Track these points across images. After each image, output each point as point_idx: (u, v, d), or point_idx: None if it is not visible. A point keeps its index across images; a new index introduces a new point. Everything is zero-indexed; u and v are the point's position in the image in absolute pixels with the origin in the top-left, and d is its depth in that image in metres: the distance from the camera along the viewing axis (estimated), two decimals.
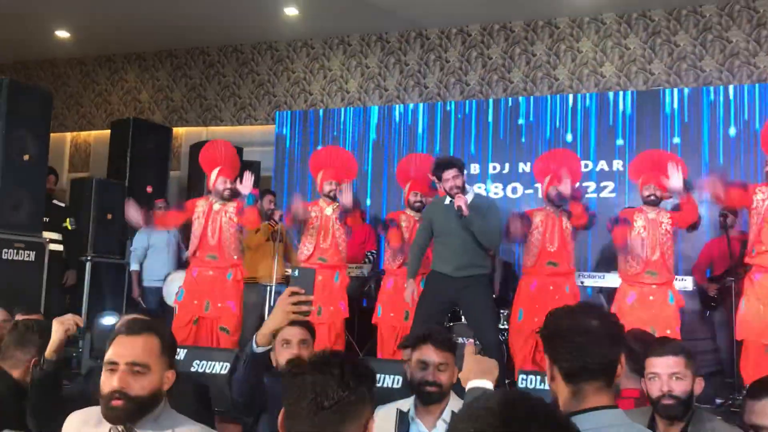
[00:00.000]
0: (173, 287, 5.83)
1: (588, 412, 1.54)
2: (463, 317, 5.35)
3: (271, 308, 5.70)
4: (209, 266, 5.21)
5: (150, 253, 6.66)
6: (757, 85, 6.85)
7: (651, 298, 4.61)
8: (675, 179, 4.47)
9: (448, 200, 4.62)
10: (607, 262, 5.77)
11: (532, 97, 7.69)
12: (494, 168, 7.46)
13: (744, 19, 7.12)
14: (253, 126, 9.06)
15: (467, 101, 7.94)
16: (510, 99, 7.74)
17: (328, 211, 5.31)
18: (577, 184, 5.09)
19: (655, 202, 4.73)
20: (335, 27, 8.52)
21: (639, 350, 2.57)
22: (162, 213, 5.55)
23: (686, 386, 2.38)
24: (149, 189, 6.62)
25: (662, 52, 7.38)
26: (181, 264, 6.73)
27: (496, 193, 7.34)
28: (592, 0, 7.33)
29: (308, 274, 2.14)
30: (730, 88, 6.91)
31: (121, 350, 1.88)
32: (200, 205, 5.31)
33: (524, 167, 7.28)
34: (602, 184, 6.97)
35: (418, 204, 5.44)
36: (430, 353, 2.62)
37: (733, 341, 5.23)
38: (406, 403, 2.68)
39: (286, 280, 6.01)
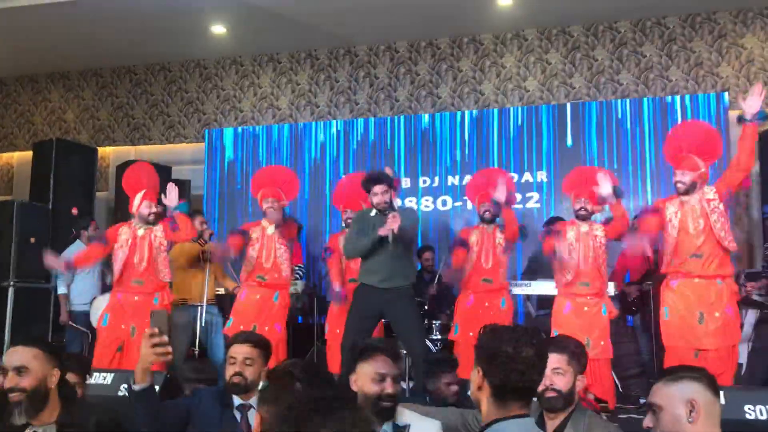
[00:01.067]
0: (96, 311, 5.69)
1: (506, 420, 1.79)
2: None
3: (202, 329, 5.64)
4: (135, 291, 5.09)
5: (77, 276, 6.47)
6: (669, 97, 7.17)
7: (585, 309, 4.76)
8: (604, 186, 4.64)
9: (374, 212, 4.68)
10: (535, 270, 5.92)
11: (460, 112, 7.85)
12: (424, 182, 7.57)
13: (656, 35, 7.47)
14: (183, 144, 8.97)
15: (397, 117, 8.06)
16: (438, 114, 7.89)
17: (270, 230, 5.30)
18: (509, 193, 5.22)
19: (585, 216, 4.90)
20: (264, 44, 8.53)
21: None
22: (83, 254, 5.30)
23: (567, 381, 2.57)
24: (74, 211, 6.46)
25: (582, 66, 7.67)
26: (106, 288, 6.59)
27: (426, 206, 7.45)
28: (515, 16, 7.55)
29: (161, 316, 2.38)
30: (645, 100, 7.21)
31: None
32: (123, 232, 5.12)
33: (453, 180, 7.42)
34: (527, 195, 7.17)
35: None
36: (385, 365, 2.54)
37: (653, 343, 5.47)
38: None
39: (216, 301, 5.96)
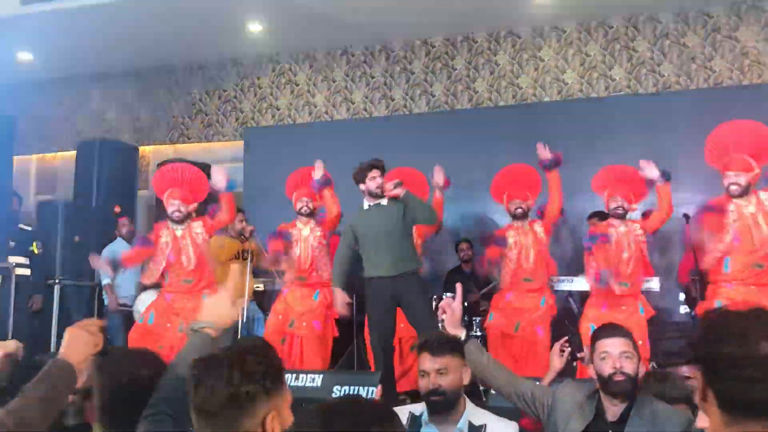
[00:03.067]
0: (143, 305, 5.79)
1: None
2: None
3: (243, 325, 5.69)
4: (185, 291, 5.14)
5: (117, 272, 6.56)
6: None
7: (623, 307, 4.67)
8: (651, 170, 4.53)
9: (366, 205, 4.68)
10: (575, 265, 5.84)
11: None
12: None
13: (699, 25, 7.30)
14: (221, 143, 9.05)
15: (434, 111, 8.02)
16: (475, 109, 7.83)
17: (305, 231, 5.35)
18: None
19: (622, 215, 4.80)
20: (300, 42, 8.55)
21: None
22: (131, 255, 5.37)
23: (635, 366, 2.52)
24: (117, 209, 6.57)
25: (621, 58, 7.53)
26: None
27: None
28: (553, 10, 7.45)
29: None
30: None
31: None
32: (163, 234, 5.18)
33: None
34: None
35: None
36: (425, 361, 2.63)
37: None
38: (420, 407, 2.70)
39: (256, 297, 6.01)
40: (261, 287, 6.14)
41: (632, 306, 4.70)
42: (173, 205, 5.10)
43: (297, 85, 8.82)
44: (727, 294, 4.19)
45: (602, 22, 7.62)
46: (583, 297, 5.78)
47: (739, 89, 7.00)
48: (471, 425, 2.56)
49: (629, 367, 2.50)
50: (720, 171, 4.29)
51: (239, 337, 5.69)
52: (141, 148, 8.97)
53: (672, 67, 7.36)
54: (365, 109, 8.47)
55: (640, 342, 4.53)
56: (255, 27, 8.08)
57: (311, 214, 5.38)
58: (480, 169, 7.39)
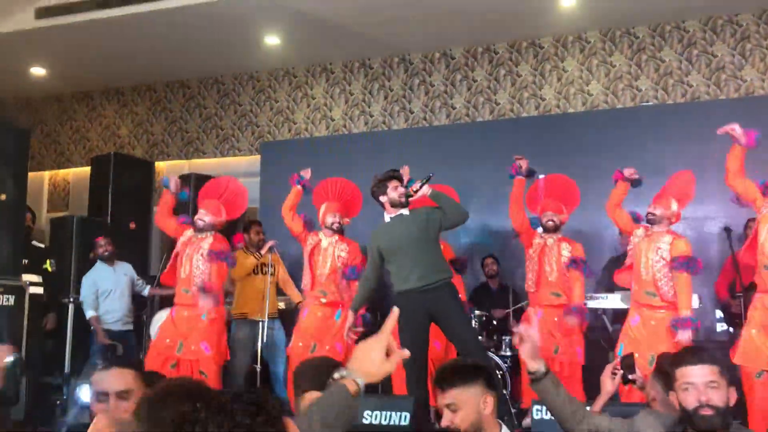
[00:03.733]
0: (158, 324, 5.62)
1: None
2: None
3: (264, 344, 5.48)
4: (184, 304, 4.99)
5: (101, 298, 6.33)
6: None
7: (652, 322, 4.44)
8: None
9: (387, 218, 4.44)
10: (607, 282, 5.62)
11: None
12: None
13: (728, 33, 7.11)
14: (237, 157, 8.90)
15: (454, 124, 7.85)
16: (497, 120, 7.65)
17: (325, 243, 5.15)
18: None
19: (653, 222, 4.58)
20: (317, 55, 8.42)
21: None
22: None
23: (723, 396, 2.23)
24: (132, 225, 6.40)
25: (648, 68, 7.35)
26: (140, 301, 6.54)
27: None
28: (576, 18, 7.28)
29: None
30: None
31: None
32: (185, 234, 5.14)
33: None
34: None
35: None
36: (439, 397, 2.40)
37: None
38: None
39: (280, 315, 5.81)
40: (282, 305, 5.94)
41: (665, 320, 4.44)
42: (199, 214, 5.14)
43: (314, 98, 8.67)
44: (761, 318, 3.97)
45: (627, 32, 7.45)
46: (616, 315, 5.58)
47: None
48: None
49: (717, 399, 2.20)
50: None
51: (259, 359, 5.50)
52: (155, 164, 8.82)
53: (700, 77, 7.17)
54: (384, 122, 8.30)
55: None
56: (272, 41, 7.95)
57: (340, 231, 5.19)
58: (502, 182, 7.20)
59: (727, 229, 5.47)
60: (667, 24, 7.31)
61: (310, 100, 8.68)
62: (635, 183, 4.79)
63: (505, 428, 2.42)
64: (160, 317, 5.61)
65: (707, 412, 2.18)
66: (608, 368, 2.82)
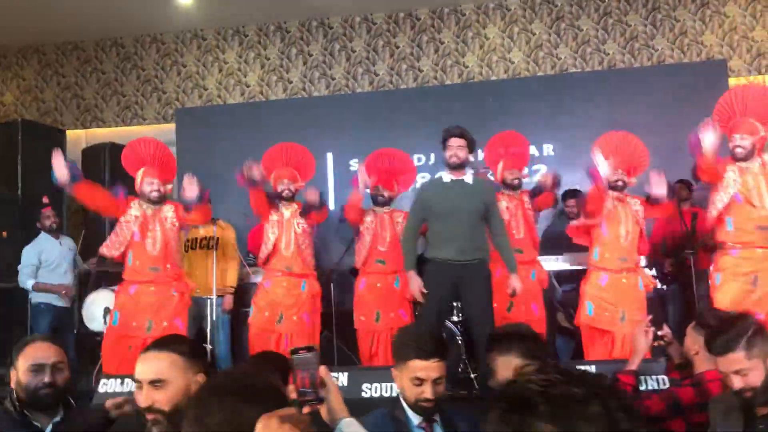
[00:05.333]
0: (95, 309, 5.14)
1: None
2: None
3: (213, 324, 5.18)
4: (150, 281, 4.58)
5: (43, 271, 5.82)
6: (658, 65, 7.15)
7: (623, 281, 4.57)
8: (659, 186, 4.34)
9: (447, 178, 4.30)
10: (553, 245, 5.74)
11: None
12: (419, 159, 7.24)
13: (639, 4, 7.43)
14: (142, 126, 8.29)
15: (377, 91, 7.73)
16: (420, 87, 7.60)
17: (287, 214, 4.90)
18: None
19: (622, 188, 4.65)
20: (229, 17, 7.97)
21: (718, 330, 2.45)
22: (90, 190, 4.58)
23: (757, 376, 2.22)
24: (45, 200, 5.79)
25: (567, 36, 7.55)
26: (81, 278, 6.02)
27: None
28: None
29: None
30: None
31: None
32: (134, 206, 4.65)
33: None
34: (534, 168, 6.95)
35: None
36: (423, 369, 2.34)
37: (684, 312, 5.43)
38: None
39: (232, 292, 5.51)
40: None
41: (632, 280, 4.60)
42: (152, 184, 4.63)
43: (226, 63, 8.22)
44: (733, 266, 4.18)
45: (546, 0, 7.61)
46: (565, 277, 5.73)
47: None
48: None
49: (753, 382, 2.20)
50: (726, 134, 4.26)
51: (209, 338, 5.20)
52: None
53: (616, 46, 7.46)
54: (304, 89, 8.03)
55: (637, 317, 4.45)
56: (184, 0, 7.41)
57: (292, 198, 4.95)
58: (424, 148, 7.17)
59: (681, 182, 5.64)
60: None
61: (222, 64, 8.23)
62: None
63: None
64: (96, 298, 5.15)
65: (748, 394, 2.22)
66: (641, 326, 2.86)
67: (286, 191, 4.91)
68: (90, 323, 5.21)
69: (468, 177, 4.27)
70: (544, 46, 7.60)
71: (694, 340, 2.65)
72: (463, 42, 7.76)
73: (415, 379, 2.27)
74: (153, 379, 1.92)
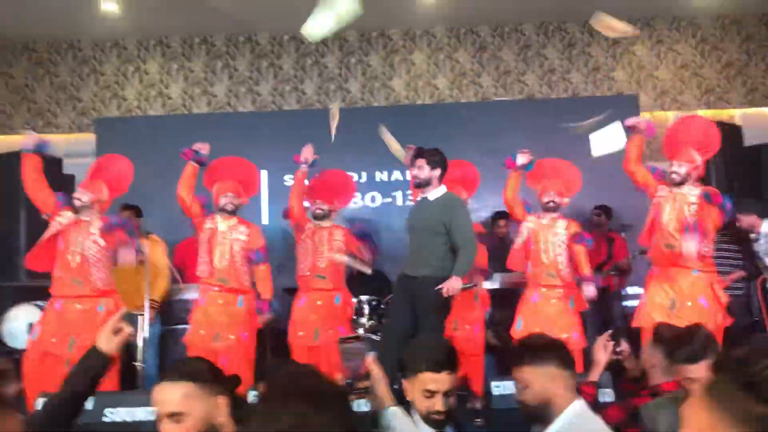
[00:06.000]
0: (18, 325, 4.86)
1: None
2: None
3: (145, 341, 5.00)
4: (75, 295, 4.36)
5: None
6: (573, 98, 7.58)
7: (553, 301, 4.80)
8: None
9: (420, 197, 4.45)
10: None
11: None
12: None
13: (557, 39, 7.87)
14: (55, 135, 7.90)
15: (305, 110, 7.76)
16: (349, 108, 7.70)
17: (222, 226, 4.81)
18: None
19: (554, 209, 4.93)
20: (151, 28, 7.79)
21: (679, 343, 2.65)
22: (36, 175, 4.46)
23: None
24: None
25: (490, 66, 7.88)
26: None
27: (355, 203, 7.19)
28: (424, 15, 7.55)
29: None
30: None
31: None
32: (62, 215, 4.44)
33: (381, 176, 7.26)
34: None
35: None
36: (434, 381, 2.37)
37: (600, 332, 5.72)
38: None
39: (158, 310, 5.33)
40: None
41: (563, 299, 4.83)
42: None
43: (147, 74, 8.01)
44: (653, 284, 4.50)
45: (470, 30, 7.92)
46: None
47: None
48: None
49: None
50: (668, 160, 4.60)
51: (140, 356, 5.02)
52: None
53: (534, 77, 7.86)
54: (229, 104, 7.94)
55: (564, 335, 4.65)
56: (109, 7, 7.16)
57: (234, 213, 4.88)
58: (357, 167, 7.26)
59: (601, 208, 5.97)
60: (506, 26, 7.89)
61: (143, 75, 8.01)
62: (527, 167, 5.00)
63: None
64: (19, 313, 4.86)
65: None
66: (600, 340, 3.04)
67: (229, 205, 4.84)
68: (10, 340, 4.90)
69: (432, 194, 4.36)
70: (467, 74, 7.89)
71: (651, 354, 2.86)
72: (390, 66, 7.93)
73: (426, 392, 2.29)
74: (171, 413, 1.87)
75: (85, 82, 8.00)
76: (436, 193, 4.36)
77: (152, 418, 2.07)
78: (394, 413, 1.76)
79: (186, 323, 5.31)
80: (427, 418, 2.30)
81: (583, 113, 7.21)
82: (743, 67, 7.80)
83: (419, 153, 4.38)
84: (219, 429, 1.89)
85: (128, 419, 3.56)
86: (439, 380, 2.30)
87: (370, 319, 5.48)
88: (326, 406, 1.41)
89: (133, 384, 4.91)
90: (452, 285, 4.09)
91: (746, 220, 5.10)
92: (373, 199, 7.28)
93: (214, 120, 7.68)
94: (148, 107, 7.95)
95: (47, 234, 4.43)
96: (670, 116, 7.54)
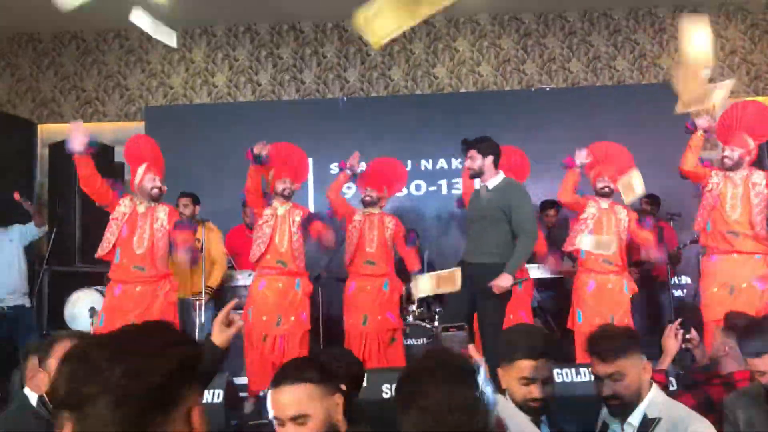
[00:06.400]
0: (79, 309, 4.98)
1: None
2: None
3: (202, 327, 5.10)
4: (136, 280, 4.47)
5: None
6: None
7: (609, 286, 4.81)
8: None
9: (478, 184, 4.38)
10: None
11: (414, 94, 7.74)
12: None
13: (602, 25, 7.80)
14: (102, 123, 8.05)
15: (350, 98, 7.79)
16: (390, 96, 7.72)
17: (281, 210, 4.90)
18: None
19: (608, 194, 4.93)
20: (198, 16, 7.86)
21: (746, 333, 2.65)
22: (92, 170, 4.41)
23: None
24: (17, 196, 5.55)
25: (534, 53, 7.83)
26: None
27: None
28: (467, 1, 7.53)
29: None
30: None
31: None
32: (123, 204, 4.54)
33: (426, 164, 7.29)
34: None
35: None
36: (530, 369, 2.34)
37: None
38: None
39: (212, 296, 5.42)
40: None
41: (619, 284, 4.84)
42: (154, 181, 4.57)
43: (192, 62, 8.10)
44: (714, 270, 4.47)
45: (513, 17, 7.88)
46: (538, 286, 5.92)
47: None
48: (645, 418, 2.28)
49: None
50: (721, 144, 4.58)
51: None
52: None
53: (579, 64, 7.80)
54: (273, 92, 8.00)
55: (626, 320, 4.73)
56: None
57: (290, 198, 4.96)
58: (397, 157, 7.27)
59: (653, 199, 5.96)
60: (550, 13, 7.83)
61: (189, 63, 8.10)
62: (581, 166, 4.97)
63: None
64: (80, 297, 4.99)
65: None
66: (670, 329, 3.04)
67: (287, 190, 4.92)
68: (72, 323, 5.04)
69: (491, 182, 4.30)
70: (511, 60, 7.85)
71: (723, 342, 2.86)
72: (433, 53, 7.93)
73: (523, 379, 2.28)
74: (294, 416, 1.86)
75: (132, 71, 8.11)
76: (494, 180, 4.30)
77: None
78: (499, 401, 1.79)
79: (238, 309, 5.43)
80: (524, 406, 2.28)
81: (627, 101, 7.29)
82: None
83: (468, 144, 4.34)
84: (337, 427, 1.90)
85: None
86: (537, 367, 2.28)
87: (419, 306, 5.52)
88: (467, 382, 1.46)
89: None
90: (502, 283, 4.05)
91: None
92: (418, 188, 7.31)
93: (259, 108, 7.75)
94: (194, 95, 8.04)
95: (112, 223, 4.51)
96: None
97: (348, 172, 5.18)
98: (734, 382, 2.78)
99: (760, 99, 7.29)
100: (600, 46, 7.81)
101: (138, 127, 7.60)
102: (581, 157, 4.82)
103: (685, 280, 6.58)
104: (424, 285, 4.19)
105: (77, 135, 4.31)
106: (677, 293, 6.29)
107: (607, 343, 2.34)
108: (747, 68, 7.70)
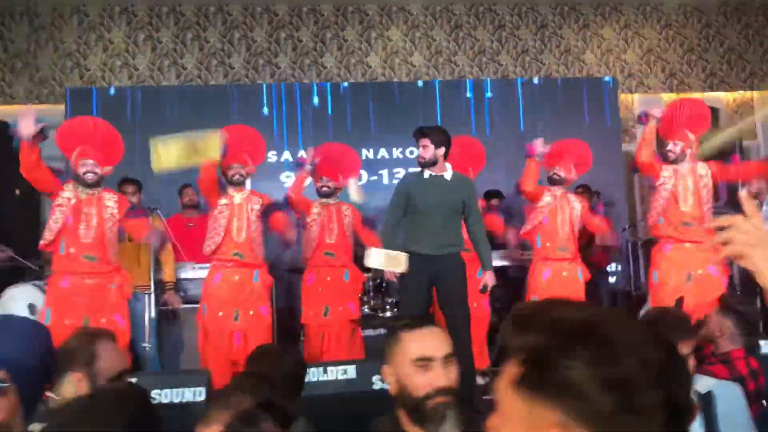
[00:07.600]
0: (14, 306, 4.56)
1: None
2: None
3: (152, 320, 4.82)
4: (86, 271, 4.15)
5: None
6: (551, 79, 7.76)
7: (564, 273, 4.95)
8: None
9: (427, 174, 4.29)
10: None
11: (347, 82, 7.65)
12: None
13: (530, 20, 8.02)
14: (8, 106, 7.43)
15: (281, 83, 7.60)
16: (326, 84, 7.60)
17: (237, 199, 4.67)
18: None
19: (558, 182, 5.06)
20: None
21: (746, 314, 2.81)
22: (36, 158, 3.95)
23: None
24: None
25: (465, 45, 7.94)
26: None
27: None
28: None
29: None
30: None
31: None
32: (67, 190, 4.20)
33: (367, 153, 7.22)
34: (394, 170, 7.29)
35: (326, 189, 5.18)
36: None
37: None
38: None
39: (160, 288, 5.13)
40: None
41: (573, 272, 4.99)
42: (86, 165, 4.22)
43: (111, 43, 7.63)
44: (669, 259, 4.69)
45: (445, 8, 7.95)
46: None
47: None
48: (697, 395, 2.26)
49: None
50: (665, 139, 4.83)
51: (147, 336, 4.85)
52: None
53: (509, 58, 7.98)
54: (200, 77, 7.67)
55: None
56: None
57: (243, 183, 4.73)
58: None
59: (587, 189, 6.17)
60: (480, 6, 7.96)
61: (107, 44, 7.62)
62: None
63: None
64: (15, 293, 4.58)
65: None
66: None
67: (237, 176, 4.69)
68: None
69: (447, 174, 4.31)
70: (443, 52, 7.92)
71: (719, 323, 2.99)
72: (366, 42, 7.87)
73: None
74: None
75: (44, 52, 7.54)
76: (449, 172, 4.31)
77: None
78: None
79: (186, 303, 5.19)
80: None
81: (555, 95, 7.56)
82: (703, 52, 8.19)
83: (422, 132, 4.32)
84: None
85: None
86: None
87: (374, 297, 5.47)
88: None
89: (137, 365, 4.73)
90: (491, 280, 4.30)
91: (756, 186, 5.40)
92: (359, 178, 7.24)
93: (184, 92, 7.43)
94: (113, 78, 7.58)
95: (56, 210, 4.18)
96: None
97: (308, 167, 5.00)
98: (732, 360, 2.92)
99: (674, 95, 7.78)
100: (528, 39, 8.01)
101: (52, 109, 7.07)
102: (539, 145, 4.92)
103: (615, 267, 6.88)
104: (376, 257, 4.18)
105: (28, 121, 3.91)
106: (611, 279, 6.57)
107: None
108: (662, 65, 8.14)
